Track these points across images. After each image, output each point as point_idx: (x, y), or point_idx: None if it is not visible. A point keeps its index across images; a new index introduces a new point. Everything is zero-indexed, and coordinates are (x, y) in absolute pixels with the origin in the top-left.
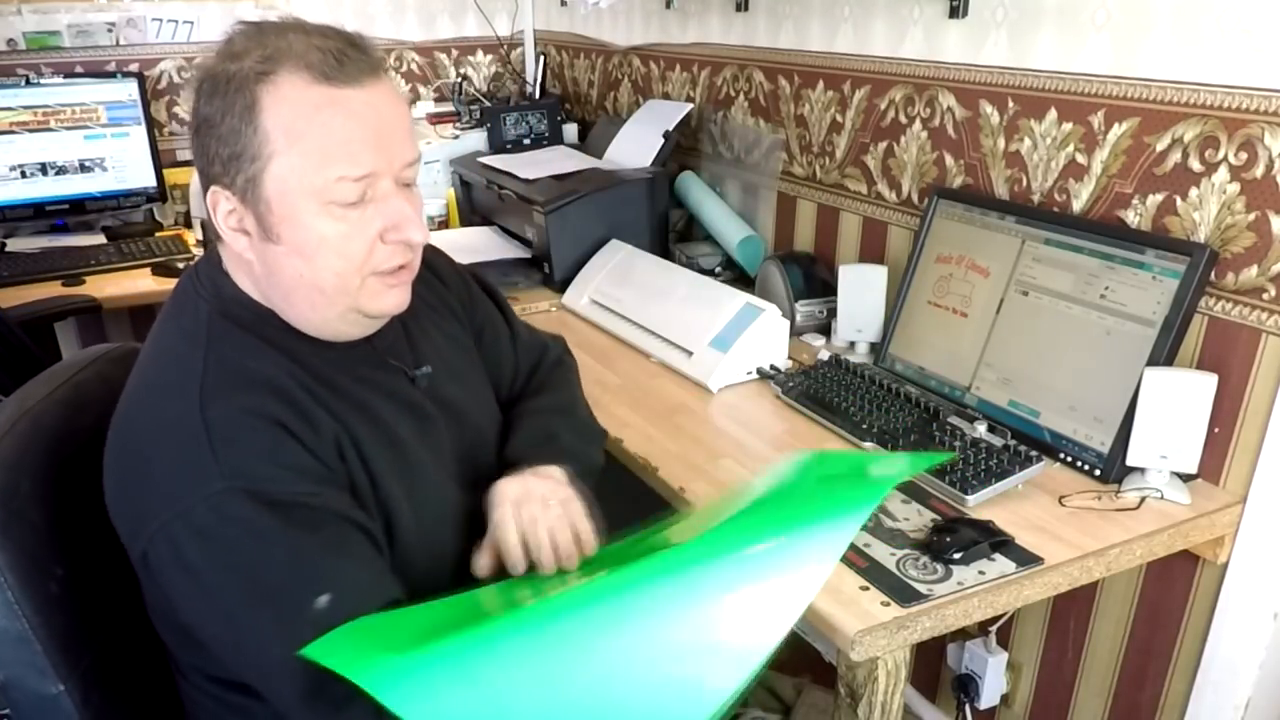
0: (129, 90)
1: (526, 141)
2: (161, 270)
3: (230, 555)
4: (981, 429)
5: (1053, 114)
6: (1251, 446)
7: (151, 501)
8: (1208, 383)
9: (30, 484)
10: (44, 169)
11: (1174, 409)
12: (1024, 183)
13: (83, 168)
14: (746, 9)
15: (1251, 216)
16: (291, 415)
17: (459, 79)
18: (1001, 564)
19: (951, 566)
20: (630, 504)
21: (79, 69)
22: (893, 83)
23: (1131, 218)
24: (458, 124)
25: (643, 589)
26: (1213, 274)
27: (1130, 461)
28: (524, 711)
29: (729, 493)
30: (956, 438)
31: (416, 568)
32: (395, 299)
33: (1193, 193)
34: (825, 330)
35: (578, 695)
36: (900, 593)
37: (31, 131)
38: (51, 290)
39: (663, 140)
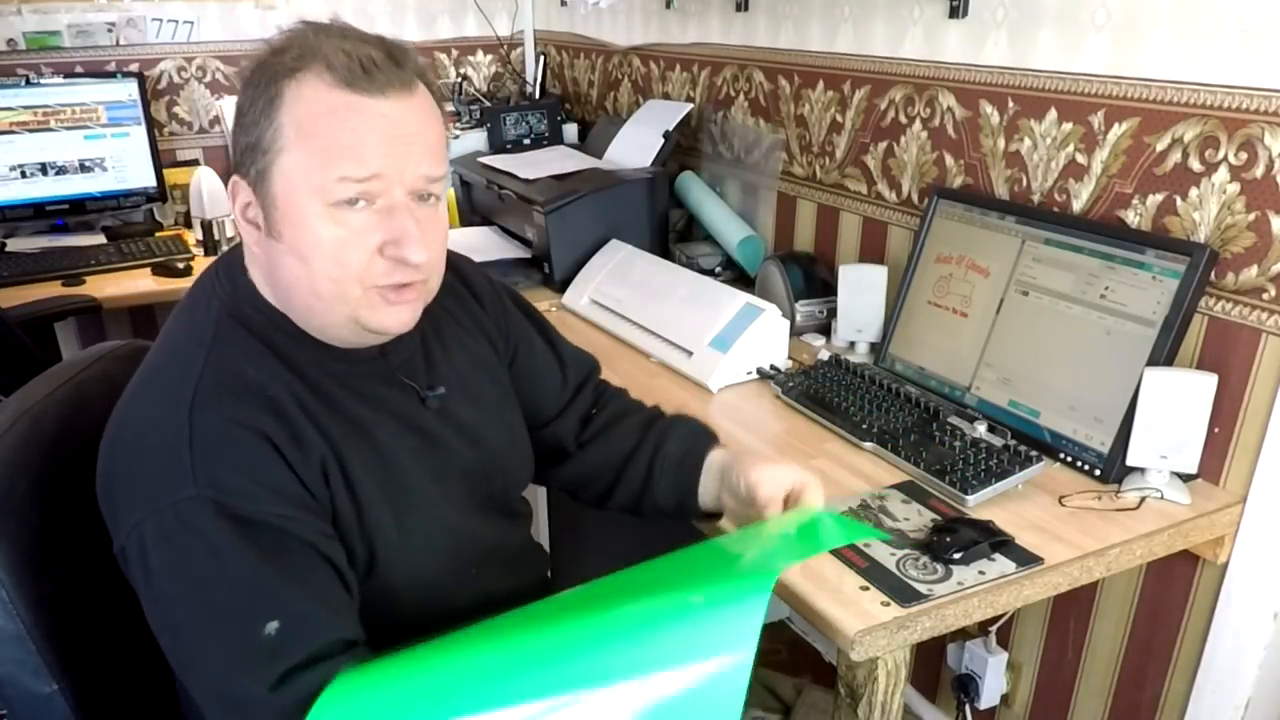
0: (129, 90)
1: (526, 141)
2: (161, 270)
3: (186, 567)
4: (981, 429)
5: (1053, 114)
6: (1251, 446)
7: (130, 499)
8: (1208, 383)
9: (27, 483)
10: (44, 169)
11: (1174, 409)
12: (1024, 183)
13: (83, 168)
14: (746, 9)
15: (1251, 216)
16: (280, 431)
17: (459, 79)
18: (1001, 564)
19: (951, 566)
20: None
21: (79, 69)
22: (893, 83)
23: (1131, 218)
24: (458, 124)
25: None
26: (1213, 274)
27: (1130, 461)
28: None
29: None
30: (956, 438)
31: (400, 594)
32: (397, 317)
33: (1193, 193)
34: (825, 330)
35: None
36: (900, 593)
37: (31, 131)
38: (51, 290)
39: (663, 140)
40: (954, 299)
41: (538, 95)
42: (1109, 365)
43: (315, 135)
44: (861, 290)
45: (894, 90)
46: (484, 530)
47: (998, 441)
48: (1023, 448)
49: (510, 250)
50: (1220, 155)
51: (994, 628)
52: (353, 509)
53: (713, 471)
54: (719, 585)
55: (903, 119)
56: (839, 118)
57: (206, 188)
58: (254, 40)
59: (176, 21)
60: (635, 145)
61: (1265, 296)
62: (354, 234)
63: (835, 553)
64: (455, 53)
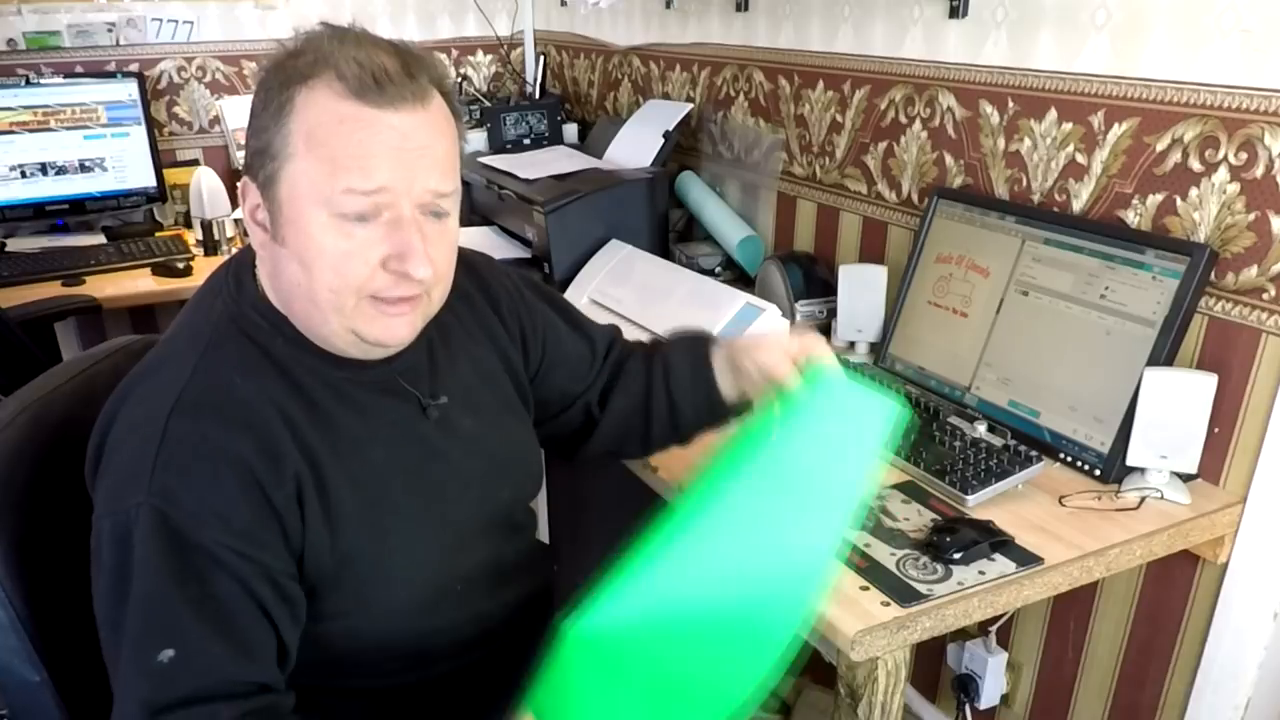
0: (129, 90)
1: (526, 141)
2: (161, 270)
3: (120, 571)
4: (981, 429)
5: (1053, 114)
6: (1251, 446)
7: (101, 493)
8: (1208, 383)
9: (28, 474)
10: (44, 169)
11: (1174, 409)
12: (1024, 183)
13: (83, 168)
14: (746, 9)
15: (1251, 216)
16: (254, 450)
17: (459, 79)
18: (1001, 564)
19: (951, 566)
20: (630, 504)
21: (79, 69)
22: (893, 83)
23: (1131, 218)
24: (460, 134)
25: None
26: (1213, 274)
27: (1130, 461)
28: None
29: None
30: (956, 438)
31: (375, 611)
32: (394, 330)
33: (1193, 193)
34: (825, 330)
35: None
36: (900, 593)
37: (31, 131)
38: (51, 290)
39: (663, 140)
40: (954, 299)
41: (538, 95)
42: (1109, 365)
43: (323, 145)
44: (861, 290)
45: (894, 90)
46: (479, 546)
47: (998, 441)
48: (1023, 448)
49: (510, 250)
50: (1220, 155)
51: (994, 628)
52: (326, 530)
53: (724, 374)
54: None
55: (903, 119)
56: (839, 118)
57: (206, 188)
58: (254, 40)
59: (176, 21)
60: (635, 145)
61: (1265, 296)
62: (358, 246)
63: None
64: (455, 53)
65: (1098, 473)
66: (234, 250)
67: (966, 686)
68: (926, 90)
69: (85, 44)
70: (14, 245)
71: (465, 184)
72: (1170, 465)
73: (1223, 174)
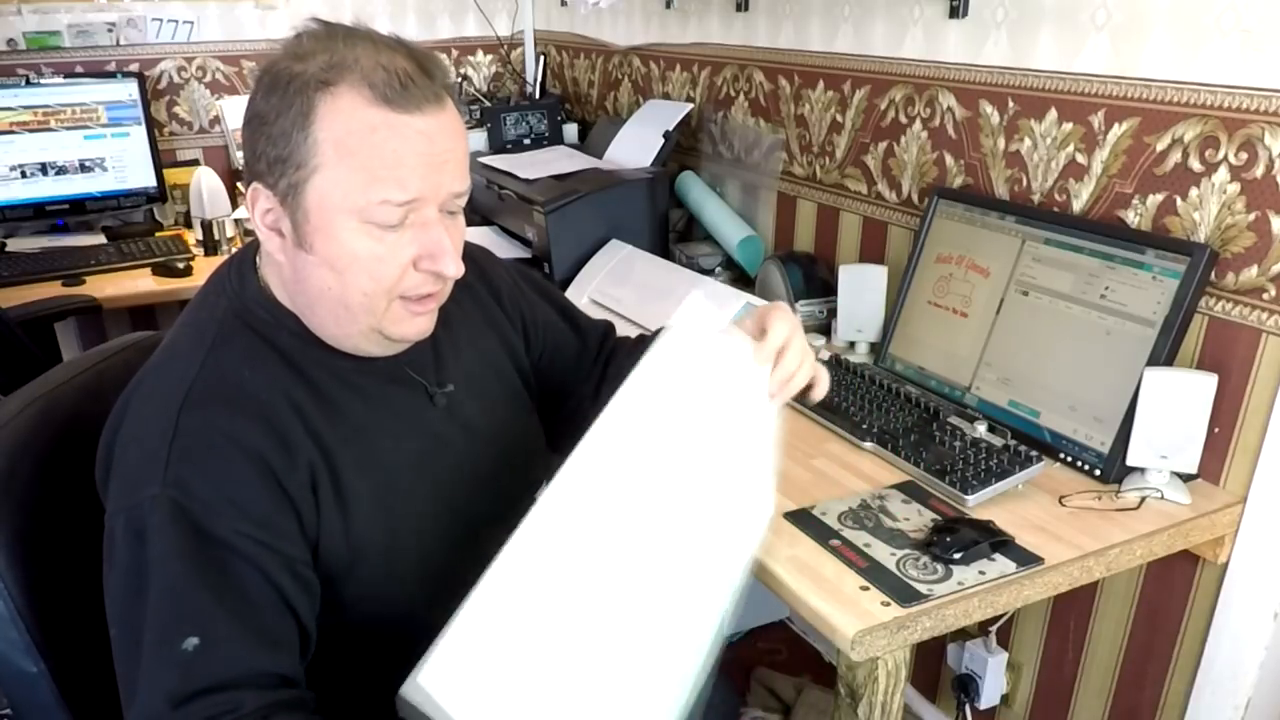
0: (129, 90)
1: (526, 141)
2: (161, 270)
3: (138, 564)
4: (981, 429)
5: (1053, 114)
6: (1251, 446)
7: (113, 491)
8: (1208, 383)
9: (32, 467)
10: (44, 169)
11: (1174, 409)
12: (1024, 183)
13: (83, 168)
14: (746, 9)
15: (1251, 216)
16: (268, 440)
17: (459, 79)
18: (1001, 564)
19: (951, 566)
20: None
21: (79, 69)
22: (893, 83)
23: (1131, 218)
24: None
25: None
26: (1213, 274)
27: (1130, 461)
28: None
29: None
30: (956, 438)
31: (385, 599)
32: (419, 326)
33: (1193, 193)
34: (825, 330)
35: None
36: (900, 593)
37: (31, 131)
38: (51, 290)
39: (663, 140)
40: (954, 299)
41: (538, 95)
42: (1109, 365)
43: (355, 154)
44: (861, 290)
45: (894, 90)
46: (489, 534)
47: (998, 441)
48: (1023, 448)
49: (510, 250)
50: (1220, 155)
51: (994, 628)
52: (340, 516)
53: None
54: None
55: (903, 119)
56: (839, 118)
57: (206, 188)
58: (254, 40)
59: (176, 21)
60: (635, 145)
61: (1265, 296)
62: (389, 249)
63: (835, 553)
64: (455, 53)
65: (1098, 473)
66: (234, 250)
67: (966, 686)
68: (926, 90)
69: (85, 44)
70: (14, 245)
71: None
72: (1170, 465)
73: (1223, 174)
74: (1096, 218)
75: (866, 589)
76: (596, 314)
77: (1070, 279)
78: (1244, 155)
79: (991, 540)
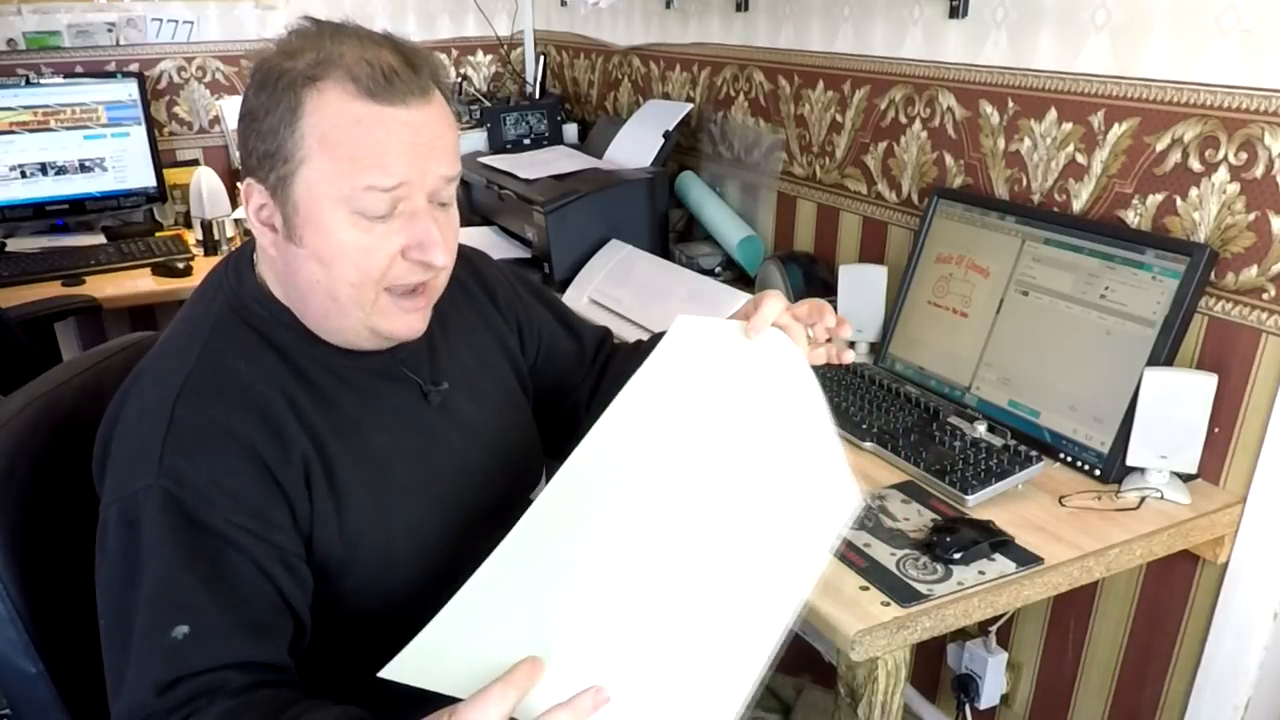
0: (129, 90)
1: (526, 141)
2: (161, 270)
3: (129, 554)
4: (981, 429)
5: (1053, 114)
6: (1251, 446)
7: (108, 481)
8: (1208, 383)
9: (30, 467)
10: (44, 169)
11: (1174, 409)
12: (1024, 183)
13: (83, 168)
14: (746, 9)
15: (1251, 216)
16: (262, 432)
17: (459, 79)
18: (1001, 564)
19: (951, 566)
20: None
21: (79, 69)
22: (893, 83)
23: (1131, 218)
24: (458, 124)
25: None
26: (1213, 274)
27: (1130, 461)
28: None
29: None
30: (956, 438)
31: (378, 595)
32: (409, 323)
33: (1193, 193)
34: None
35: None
36: (900, 593)
37: (31, 131)
38: (51, 290)
39: (663, 140)
40: (954, 299)
41: (538, 95)
42: (1109, 365)
43: (339, 145)
44: (861, 290)
45: (894, 90)
46: (482, 532)
47: (998, 441)
48: (1023, 448)
49: (510, 250)
50: (1220, 155)
51: (994, 628)
52: (334, 510)
53: None
54: None
55: (903, 119)
56: (839, 118)
57: (206, 188)
58: (254, 40)
59: (176, 21)
60: (635, 145)
61: (1265, 296)
62: (377, 239)
63: (835, 553)
64: (455, 53)
65: (1098, 473)
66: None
67: (966, 686)
68: (926, 90)
69: (85, 44)
70: (14, 245)
71: (465, 184)
72: (1170, 465)
73: (1223, 174)
74: (1096, 218)
75: (866, 589)
76: (596, 314)
77: (1070, 279)
78: (1244, 155)
79: (991, 540)
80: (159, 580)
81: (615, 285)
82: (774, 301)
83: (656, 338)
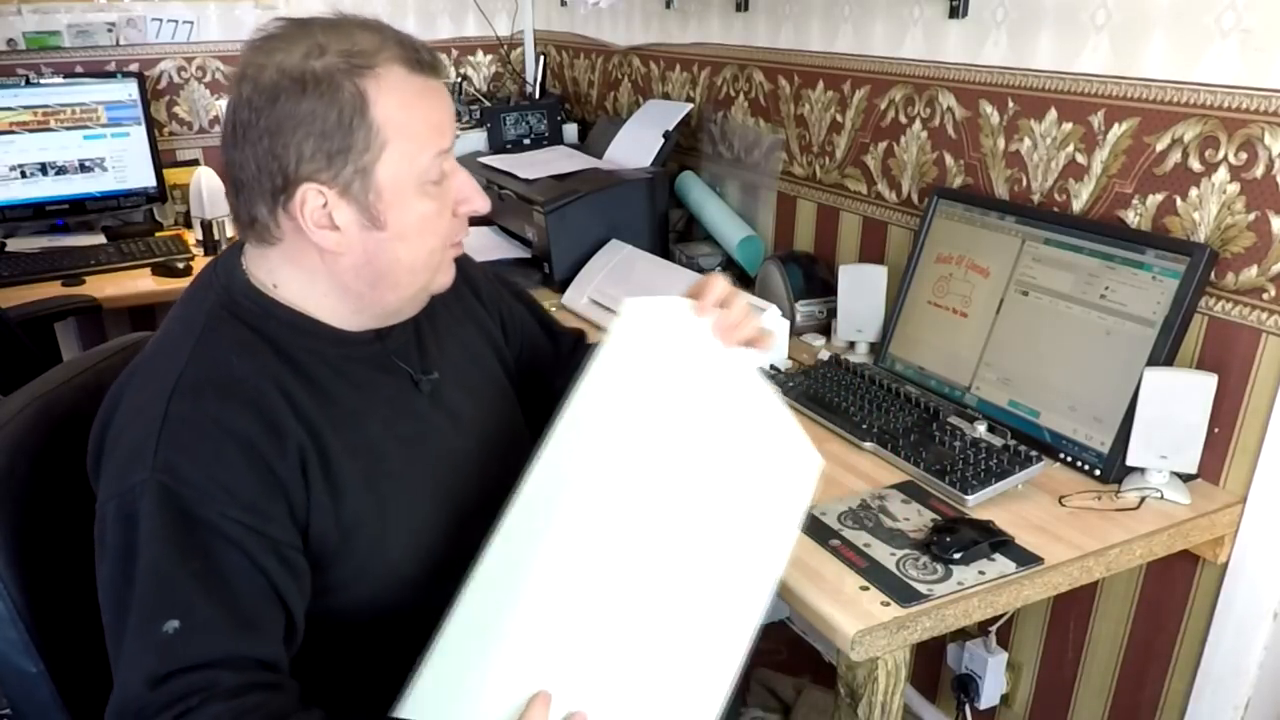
0: (129, 90)
1: (526, 141)
2: (161, 270)
3: (126, 548)
4: (981, 429)
5: (1053, 114)
6: (1251, 446)
7: (104, 477)
8: (1208, 383)
9: (29, 466)
10: (44, 169)
11: (1174, 409)
12: (1024, 183)
13: (83, 168)
14: (746, 9)
15: (1251, 216)
16: (257, 425)
17: (459, 79)
18: (1001, 564)
19: (951, 566)
20: None
21: (79, 69)
22: (893, 83)
23: (1131, 218)
24: (458, 124)
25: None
26: (1213, 274)
27: (1130, 461)
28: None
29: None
30: (956, 438)
31: (373, 582)
32: (453, 273)
33: (1193, 193)
34: (825, 330)
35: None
36: (900, 593)
37: (31, 131)
38: (51, 290)
39: (663, 140)
40: (954, 299)
41: (538, 95)
42: (1109, 365)
43: (410, 122)
44: (861, 290)
45: (894, 90)
46: (476, 522)
47: (998, 441)
48: (1023, 448)
49: (510, 250)
50: (1220, 155)
51: (994, 628)
52: (330, 500)
53: None
54: None
55: (903, 119)
56: (839, 118)
57: (206, 187)
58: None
59: (176, 21)
60: (635, 145)
61: (1265, 296)
62: (441, 203)
63: (835, 553)
64: (455, 53)
65: (1098, 473)
66: None
67: (966, 686)
68: (926, 90)
69: (85, 44)
70: (14, 245)
71: None
72: (1170, 465)
73: (1223, 174)
74: (1096, 218)
75: (866, 589)
76: (597, 314)
77: (1070, 279)
78: (1244, 155)
79: (991, 540)
80: (153, 574)
81: (615, 285)
82: (719, 283)
83: None
